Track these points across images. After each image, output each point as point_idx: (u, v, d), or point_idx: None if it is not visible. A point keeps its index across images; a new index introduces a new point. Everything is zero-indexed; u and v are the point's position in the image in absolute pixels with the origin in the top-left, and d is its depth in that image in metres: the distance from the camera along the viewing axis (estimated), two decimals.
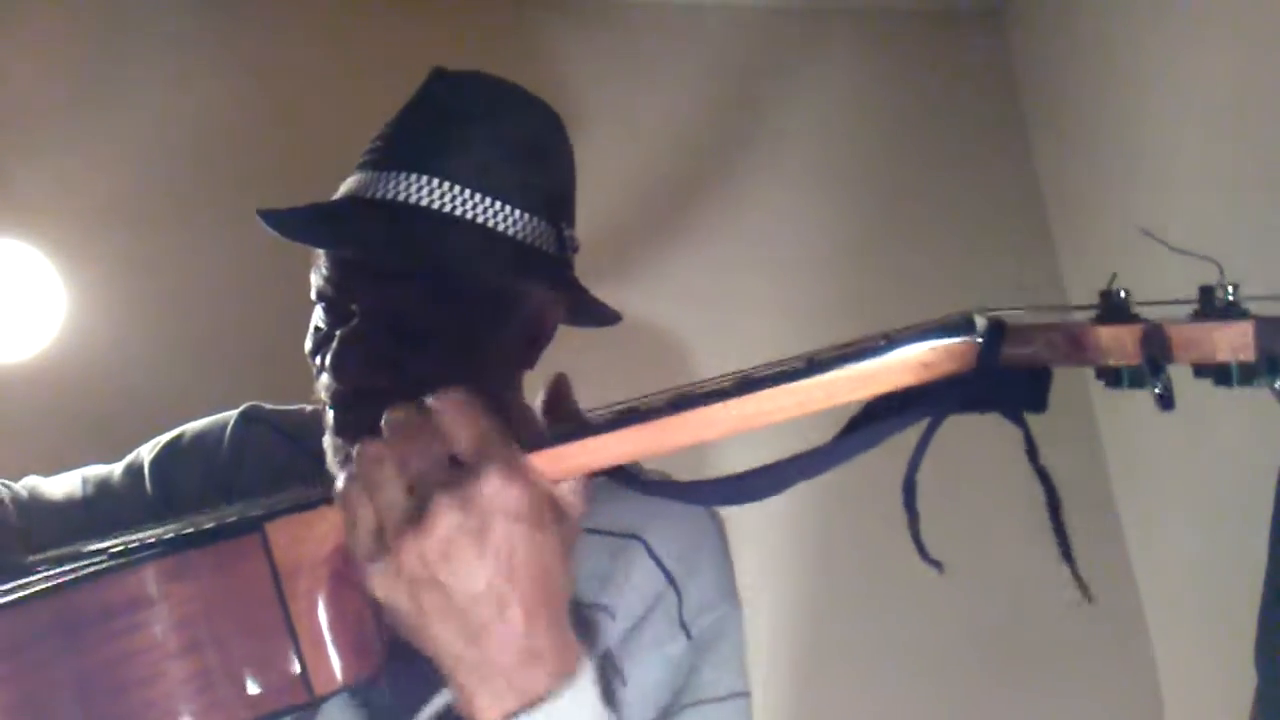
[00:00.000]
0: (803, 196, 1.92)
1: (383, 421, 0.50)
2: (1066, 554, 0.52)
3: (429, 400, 0.50)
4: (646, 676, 0.70)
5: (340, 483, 0.50)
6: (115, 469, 0.85)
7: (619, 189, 1.85)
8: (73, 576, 0.51)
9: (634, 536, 0.74)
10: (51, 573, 0.53)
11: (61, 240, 1.61)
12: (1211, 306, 0.46)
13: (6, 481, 0.82)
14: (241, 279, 1.64)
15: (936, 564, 0.53)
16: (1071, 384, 2.11)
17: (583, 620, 0.70)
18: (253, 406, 0.87)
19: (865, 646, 1.75)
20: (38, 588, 0.51)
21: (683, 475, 0.60)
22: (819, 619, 1.75)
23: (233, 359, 1.58)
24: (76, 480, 0.83)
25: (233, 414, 0.87)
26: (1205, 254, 0.49)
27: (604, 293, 0.85)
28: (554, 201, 0.80)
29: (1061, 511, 0.51)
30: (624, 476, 0.58)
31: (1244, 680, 0.90)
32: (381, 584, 0.48)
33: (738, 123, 1.95)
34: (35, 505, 0.80)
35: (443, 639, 0.48)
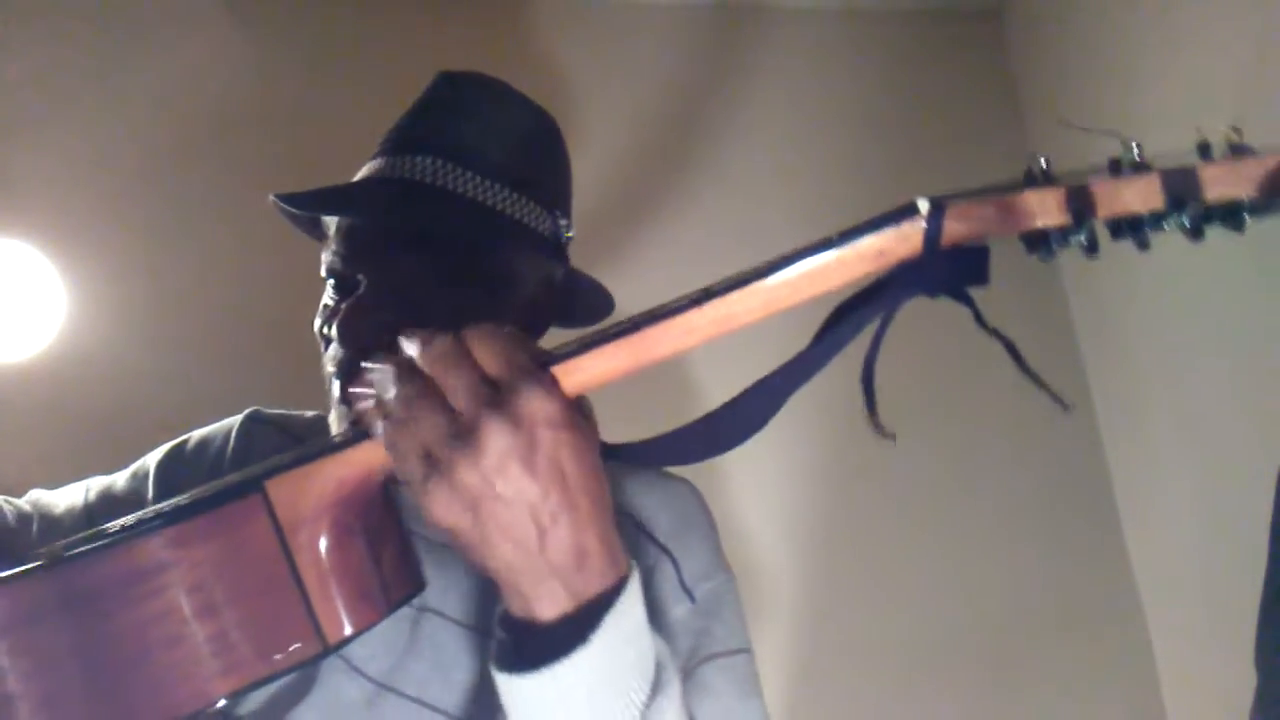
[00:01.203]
0: (800, 195, 1.93)
1: (417, 355, 0.52)
2: (1035, 379, 0.55)
3: (462, 331, 0.52)
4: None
5: (380, 421, 0.52)
6: (119, 476, 0.86)
7: (616, 187, 1.85)
8: (80, 550, 0.52)
9: (621, 511, 0.77)
10: (63, 543, 0.54)
11: (61, 240, 1.62)
12: (1118, 170, 0.52)
13: (8, 498, 0.83)
14: (242, 279, 1.64)
15: (890, 435, 0.55)
16: (1074, 386, 2.10)
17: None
18: (256, 410, 0.89)
19: (864, 645, 1.75)
20: (55, 558, 0.52)
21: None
22: (815, 618, 1.75)
23: (233, 359, 1.59)
24: (80, 489, 0.84)
25: (237, 418, 0.89)
26: (1109, 130, 0.55)
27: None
28: (550, 191, 0.85)
29: (1019, 352, 0.55)
30: (610, 450, 0.59)
31: (1244, 680, 0.90)
32: (441, 507, 0.50)
33: (734, 121, 1.95)
34: (37, 515, 0.81)
35: (503, 550, 0.51)
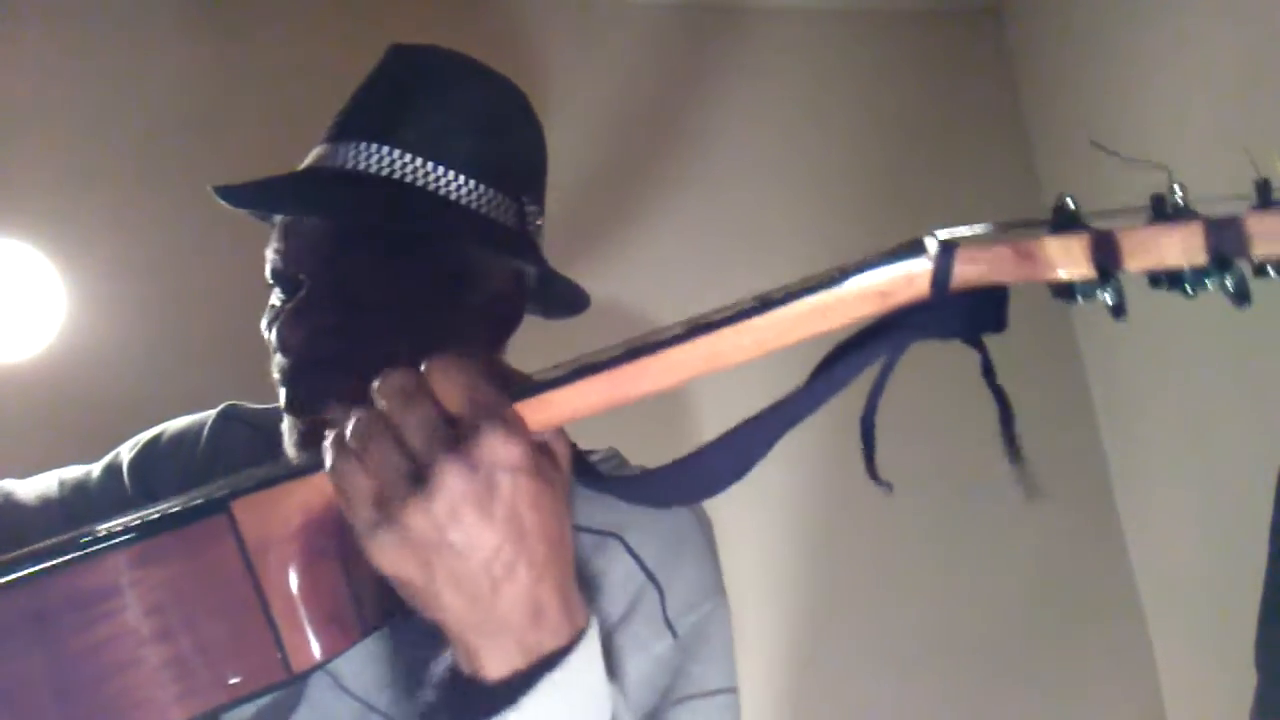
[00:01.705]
0: (800, 194, 1.92)
1: (374, 388, 0.49)
2: (1014, 456, 0.52)
3: (423, 365, 0.49)
4: (631, 676, 0.69)
5: (330, 457, 0.48)
6: (93, 469, 0.84)
7: (616, 186, 1.85)
8: (41, 567, 0.50)
9: (612, 534, 0.73)
10: (18, 559, 0.52)
11: (61, 240, 1.61)
12: (1163, 212, 0.45)
13: None
14: (241, 279, 1.63)
15: (886, 485, 0.52)
16: (1073, 383, 2.10)
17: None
18: (231, 406, 0.87)
19: (862, 646, 1.75)
20: (6, 578, 0.50)
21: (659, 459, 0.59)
22: (817, 617, 1.75)
23: (232, 359, 1.58)
24: (53, 481, 0.82)
25: (211, 413, 0.86)
26: (1155, 161, 0.49)
27: (581, 283, 0.83)
28: (513, 174, 0.78)
29: (1014, 423, 0.51)
30: (595, 481, 0.57)
31: (1244, 680, 0.90)
32: (387, 554, 0.47)
33: (736, 121, 1.95)
34: (8, 509, 0.79)
35: (453, 602, 0.48)
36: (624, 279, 1.76)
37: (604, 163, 1.83)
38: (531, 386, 0.50)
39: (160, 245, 1.67)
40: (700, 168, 1.91)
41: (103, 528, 0.53)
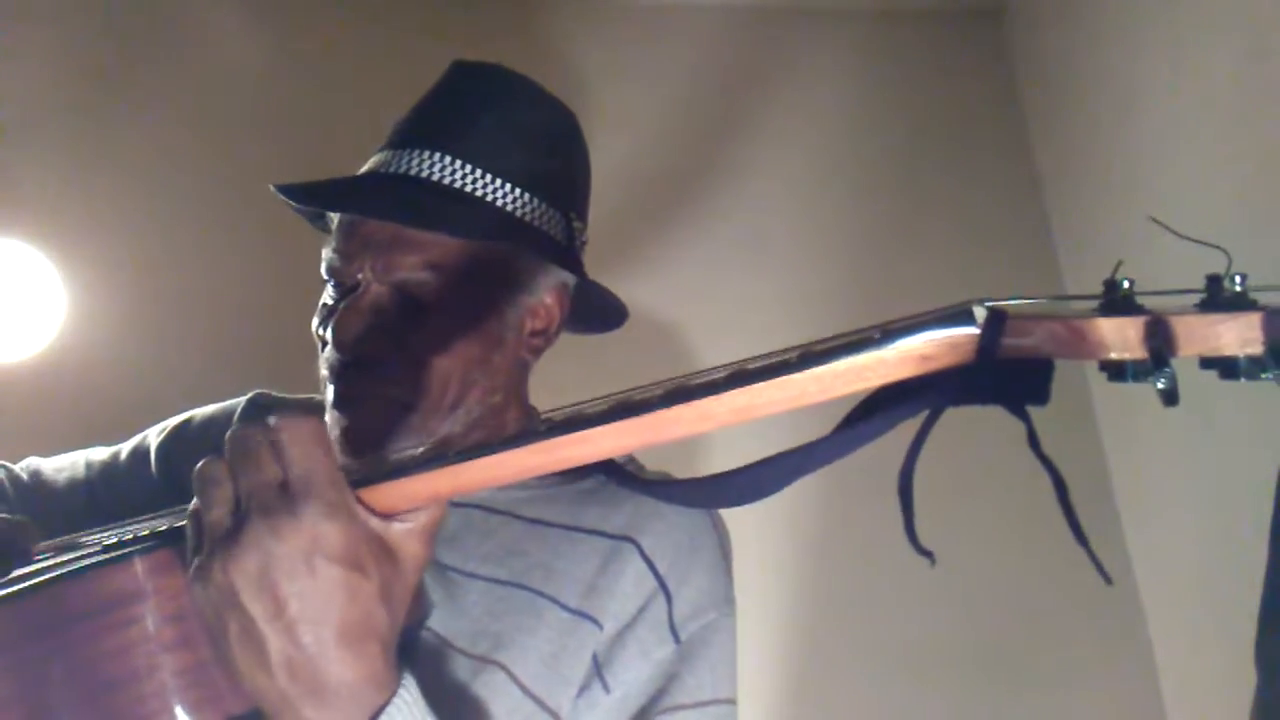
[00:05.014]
0: (803, 195, 1.92)
1: (226, 437, 0.50)
2: (1080, 537, 0.50)
3: (272, 421, 0.50)
4: (632, 680, 0.69)
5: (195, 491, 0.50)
6: (121, 450, 0.85)
7: (621, 188, 1.85)
8: (65, 570, 0.51)
9: (627, 539, 0.73)
10: (44, 566, 0.52)
11: (61, 240, 1.62)
12: (1219, 297, 0.44)
13: (6, 464, 0.82)
14: (242, 279, 1.64)
15: (928, 554, 0.52)
16: (1071, 380, 2.10)
17: (565, 624, 0.70)
18: (261, 393, 0.88)
19: (864, 646, 1.75)
20: (29, 583, 0.50)
21: (678, 470, 0.59)
22: (817, 618, 1.75)
23: (233, 359, 1.58)
24: (80, 463, 0.83)
25: (241, 400, 0.88)
26: (1213, 242, 0.47)
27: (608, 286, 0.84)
28: (563, 191, 0.81)
29: (1069, 496, 0.50)
30: (621, 476, 0.57)
31: (1244, 680, 0.90)
32: (195, 592, 0.49)
33: (738, 122, 1.95)
34: (36, 488, 0.80)
35: (242, 662, 0.48)
36: (634, 281, 1.76)
37: (606, 165, 1.84)
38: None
39: (160, 245, 1.67)
40: (696, 169, 1.91)
41: (128, 531, 0.54)
